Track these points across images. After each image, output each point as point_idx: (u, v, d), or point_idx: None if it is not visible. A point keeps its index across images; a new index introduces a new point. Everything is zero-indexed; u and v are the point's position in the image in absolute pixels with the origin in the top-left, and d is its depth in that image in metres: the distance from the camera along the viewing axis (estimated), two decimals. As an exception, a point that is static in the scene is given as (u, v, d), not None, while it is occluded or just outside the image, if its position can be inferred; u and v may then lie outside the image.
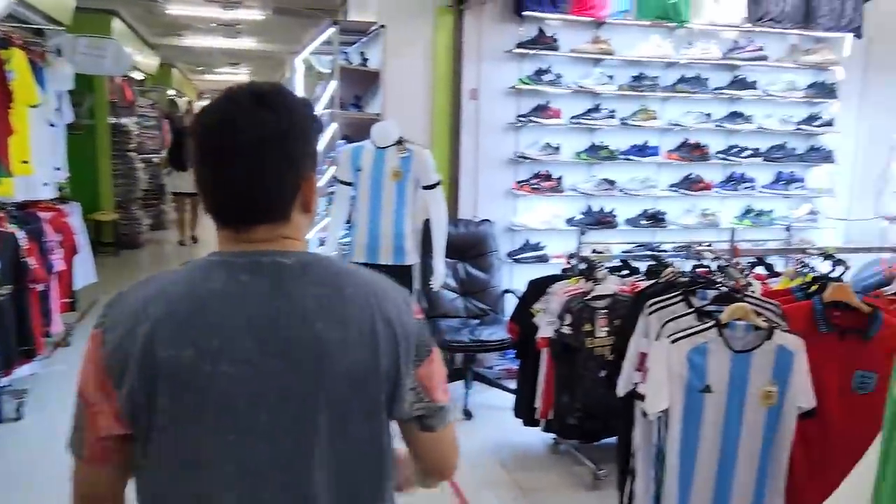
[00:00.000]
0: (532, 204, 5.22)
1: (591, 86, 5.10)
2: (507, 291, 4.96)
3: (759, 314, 2.34)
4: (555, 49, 4.98)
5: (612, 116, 5.18)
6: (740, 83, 5.38)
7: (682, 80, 5.31)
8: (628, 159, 5.29)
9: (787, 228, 4.00)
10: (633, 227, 5.36)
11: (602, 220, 5.22)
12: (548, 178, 5.14)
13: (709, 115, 5.40)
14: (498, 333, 4.44)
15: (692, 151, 5.39)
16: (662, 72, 5.36)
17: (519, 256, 5.14)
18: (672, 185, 5.49)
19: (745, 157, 5.47)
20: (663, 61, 5.24)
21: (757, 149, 5.54)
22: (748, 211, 5.66)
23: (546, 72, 5.01)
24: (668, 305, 2.44)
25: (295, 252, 1.13)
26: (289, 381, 1.07)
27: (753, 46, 5.32)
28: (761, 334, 2.30)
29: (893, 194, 5.68)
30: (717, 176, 5.60)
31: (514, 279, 5.19)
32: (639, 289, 3.12)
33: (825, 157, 5.63)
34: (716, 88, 5.38)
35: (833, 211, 5.84)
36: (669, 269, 2.85)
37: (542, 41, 4.93)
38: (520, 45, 4.96)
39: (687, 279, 2.66)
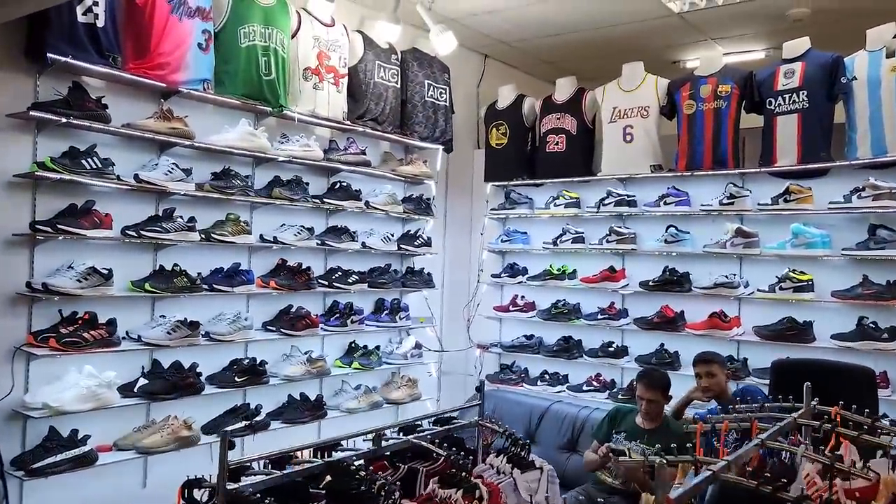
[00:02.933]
0: (60, 368, 3.12)
1: (160, 181, 3.36)
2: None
3: None
4: (104, 120, 3.13)
5: (190, 227, 3.51)
6: (343, 192, 4.32)
7: (279, 182, 3.98)
8: (214, 289, 3.65)
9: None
10: (222, 386, 3.68)
11: (183, 384, 3.42)
12: (92, 323, 3.13)
13: (311, 229, 4.17)
14: None
15: (295, 277, 4.04)
16: (251, 170, 3.97)
17: (40, 464, 2.93)
18: (268, 324, 4.03)
19: (352, 283, 4.37)
20: (256, 155, 3.85)
21: (363, 272, 4.51)
22: (352, 349, 4.54)
23: (88, 154, 3.10)
24: None
25: None
26: None
27: (356, 149, 4.36)
28: None
29: (485, 319, 5.31)
30: (318, 307, 4.37)
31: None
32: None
33: (427, 281, 4.92)
34: (314, 196, 4.20)
35: (429, 340, 5.15)
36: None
37: (84, 106, 3.03)
38: (38, 107, 2.97)
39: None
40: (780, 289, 4.05)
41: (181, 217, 3.48)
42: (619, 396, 4.58)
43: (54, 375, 3.11)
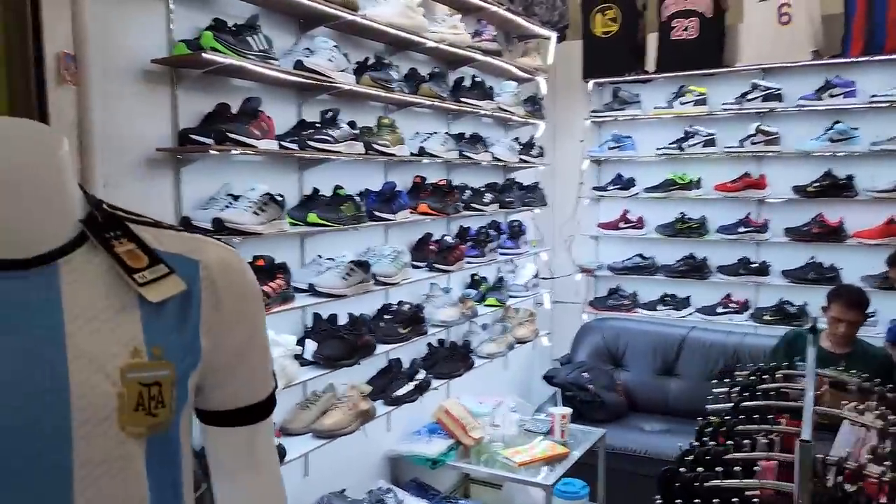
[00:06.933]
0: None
1: (327, 70, 2.40)
2: None
3: None
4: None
5: (355, 136, 2.58)
6: (479, 90, 3.44)
7: (418, 76, 3.06)
8: (375, 217, 2.77)
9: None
10: (385, 341, 2.86)
11: (360, 344, 2.58)
12: (270, 273, 2.22)
13: (456, 137, 3.30)
14: None
15: (445, 198, 3.19)
16: (387, 58, 3.02)
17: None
18: (417, 260, 3.20)
19: (488, 204, 3.56)
20: (408, 38, 2.90)
21: (493, 189, 3.70)
22: (476, 282, 3.78)
23: (252, 30, 2.10)
24: None
25: None
26: None
27: (489, 34, 3.46)
28: None
29: (588, 239, 4.65)
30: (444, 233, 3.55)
31: None
32: None
33: (542, 198, 4.17)
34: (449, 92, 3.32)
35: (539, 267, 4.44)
36: None
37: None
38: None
39: None
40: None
41: (345, 123, 2.55)
42: (765, 317, 4.11)
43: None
